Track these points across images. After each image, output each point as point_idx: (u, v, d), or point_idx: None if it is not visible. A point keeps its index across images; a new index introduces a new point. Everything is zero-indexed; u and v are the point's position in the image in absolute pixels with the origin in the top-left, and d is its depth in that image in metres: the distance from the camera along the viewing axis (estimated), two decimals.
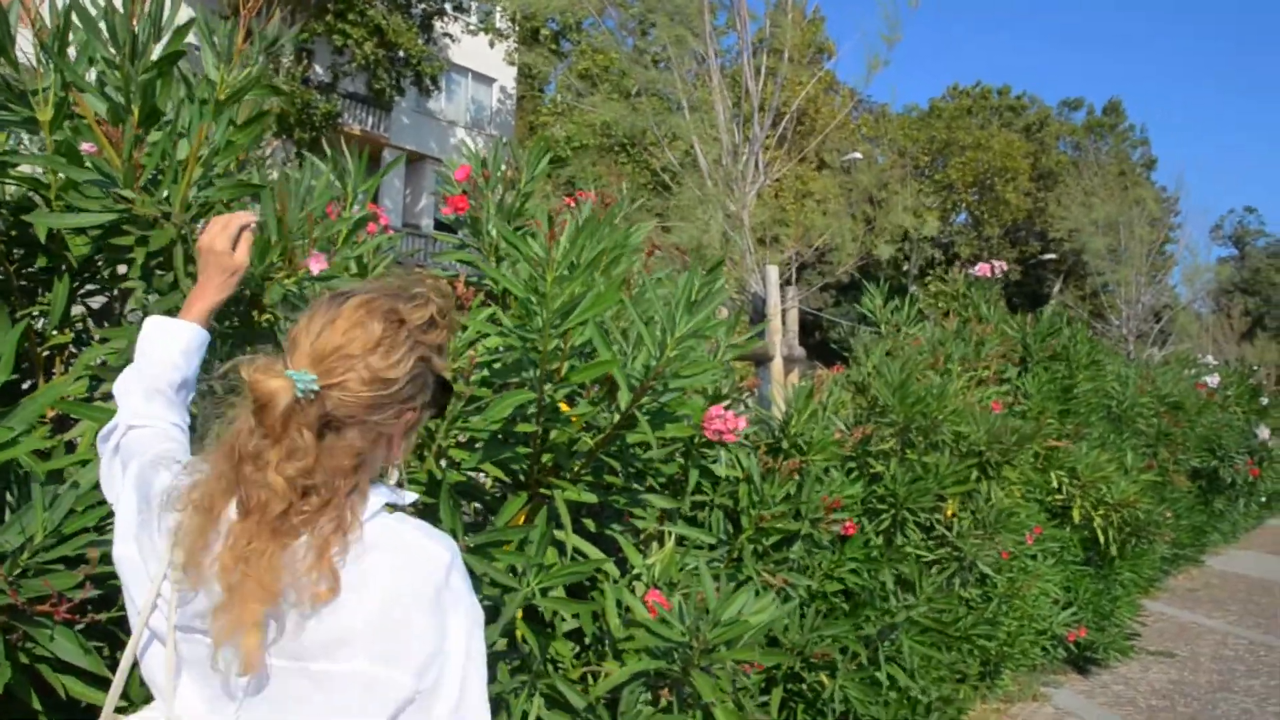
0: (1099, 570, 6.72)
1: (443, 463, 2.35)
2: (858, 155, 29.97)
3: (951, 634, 4.22)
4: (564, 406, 2.63)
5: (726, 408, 3.06)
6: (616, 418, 2.47)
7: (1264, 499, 15.26)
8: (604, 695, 2.33)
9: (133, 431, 1.37)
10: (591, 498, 2.55)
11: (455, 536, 2.01)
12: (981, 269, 5.93)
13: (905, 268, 41.56)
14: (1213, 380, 14.16)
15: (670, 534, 3.02)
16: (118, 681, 1.26)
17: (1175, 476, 9.64)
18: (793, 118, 13.62)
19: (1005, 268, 5.91)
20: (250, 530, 1.14)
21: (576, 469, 2.56)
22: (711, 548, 3.24)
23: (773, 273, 4.64)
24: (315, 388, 1.15)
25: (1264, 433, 15.13)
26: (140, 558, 1.25)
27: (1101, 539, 6.27)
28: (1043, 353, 5.75)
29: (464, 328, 2.47)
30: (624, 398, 2.44)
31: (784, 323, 5.11)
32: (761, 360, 4.57)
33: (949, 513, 4.44)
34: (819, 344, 33.40)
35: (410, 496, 1.28)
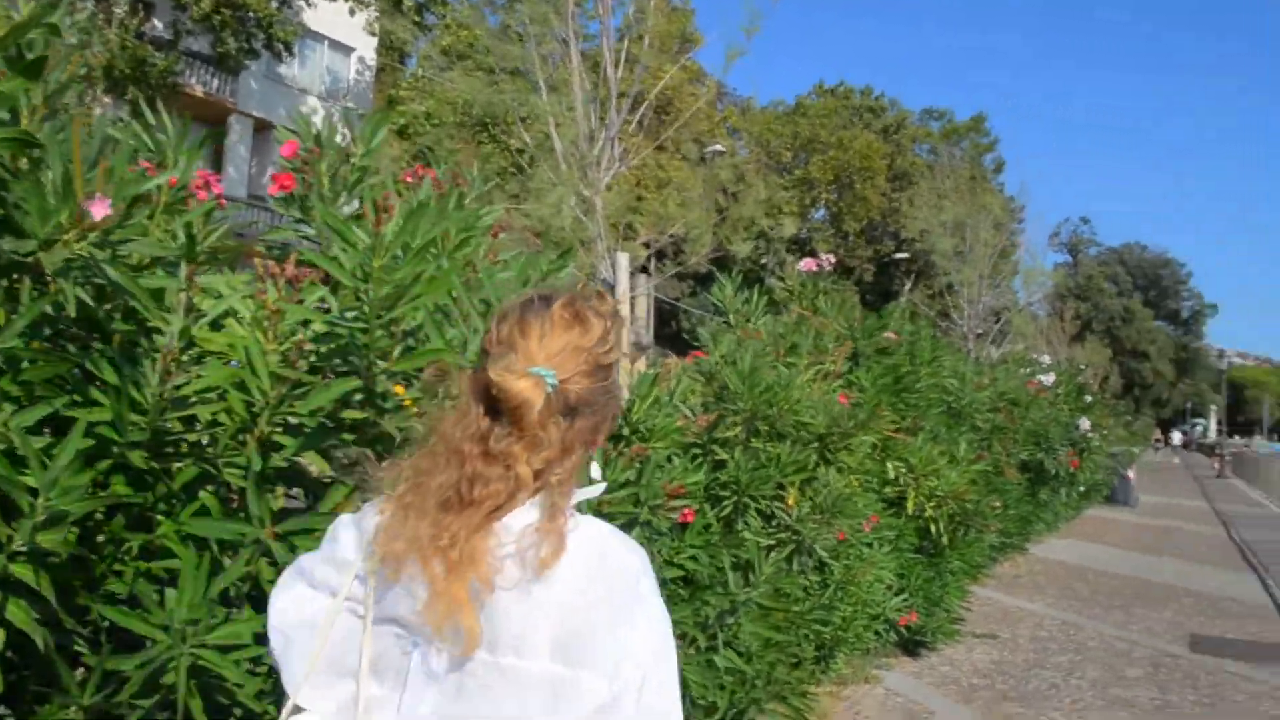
0: (931, 558, 7.00)
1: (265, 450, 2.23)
2: (720, 148, 30.37)
3: (789, 617, 4.31)
4: (399, 391, 2.54)
5: None
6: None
7: (1083, 489, 16.29)
8: None
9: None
10: None
11: (262, 523, 1.91)
12: (807, 264, 6.08)
13: (764, 261, 42.53)
14: (1046, 379, 15.03)
15: None
16: (298, 679, 1.33)
17: (1007, 469, 10.15)
18: (652, 105, 13.68)
19: (833, 262, 6.06)
20: (466, 519, 1.20)
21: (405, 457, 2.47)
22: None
23: (623, 259, 4.62)
24: (555, 382, 1.23)
25: (1084, 424, 16.14)
26: (308, 592, 1.38)
27: (933, 529, 6.54)
28: (872, 348, 5.94)
29: (301, 302, 2.35)
30: (454, 384, 2.36)
31: (634, 310, 5.10)
32: None
33: (790, 501, 4.53)
34: (675, 333, 33.77)
35: (599, 488, 1.37)
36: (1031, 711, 5.68)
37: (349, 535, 1.35)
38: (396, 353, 2.27)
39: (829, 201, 48.05)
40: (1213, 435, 66.78)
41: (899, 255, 43.13)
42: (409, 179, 3.01)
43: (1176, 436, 73.91)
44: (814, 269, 6.47)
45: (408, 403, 2.48)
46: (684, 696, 3.77)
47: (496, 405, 1.23)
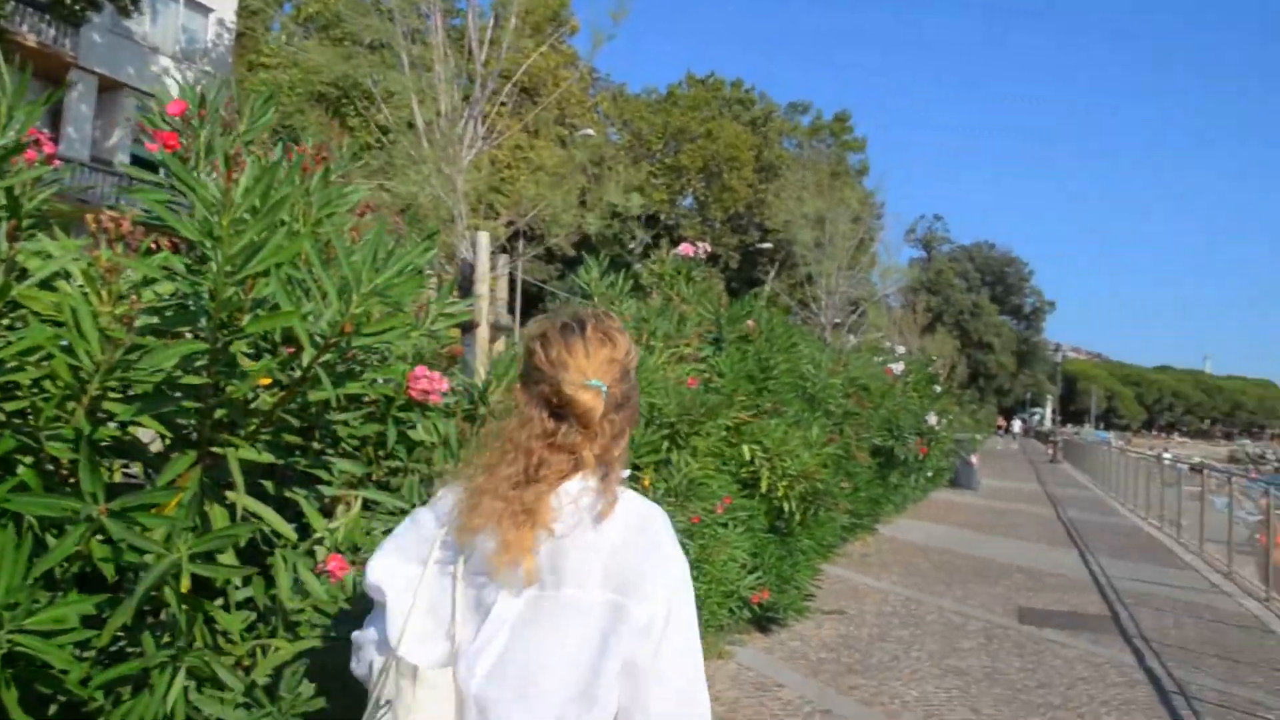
0: (783, 538, 7.25)
1: (96, 416, 2.14)
2: (590, 132, 30.37)
3: None
4: (245, 361, 2.48)
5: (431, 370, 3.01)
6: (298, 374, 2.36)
7: (930, 474, 17.11)
8: (269, 675, 2.21)
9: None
10: (269, 458, 2.41)
11: (95, 499, 1.83)
12: (684, 249, 6.17)
13: (631, 246, 42.77)
14: (898, 367, 15.69)
15: (357, 498, 2.94)
16: (396, 633, 1.60)
17: (858, 453, 10.56)
18: (517, 85, 13.55)
19: (708, 249, 6.18)
20: (534, 491, 1.53)
21: (254, 427, 2.42)
22: (404, 512, 3.18)
23: (483, 239, 4.60)
24: (605, 390, 1.59)
25: (932, 418, 16.92)
26: (400, 561, 1.64)
27: (786, 508, 6.77)
28: (735, 333, 6.08)
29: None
30: (307, 354, 2.33)
31: (494, 291, 5.09)
32: (467, 327, 4.52)
33: (645, 482, 4.62)
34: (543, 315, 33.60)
35: (626, 472, 1.64)
36: (873, 683, 5.96)
37: (428, 515, 1.67)
38: (246, 319, 2.22)
39: (697, 190, 48.69)
40: (1049, 423, 70.82)
41: (763, 245, 44.09)
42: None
43: (1017, 424, 78.08)
44: (689, 254, 6.57)
45: (254, 374, 2.42)
46: None
47: (561, 411, 1.58)
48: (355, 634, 1.74)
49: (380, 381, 2.82)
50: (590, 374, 1.58)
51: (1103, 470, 25.58)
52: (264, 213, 2.06)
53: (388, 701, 1.56)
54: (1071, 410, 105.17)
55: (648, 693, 1.51)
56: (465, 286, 4.44)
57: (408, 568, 1.63)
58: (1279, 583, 9.82)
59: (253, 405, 2.49)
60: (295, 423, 2.54)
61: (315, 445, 2.75)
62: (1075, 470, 32.92)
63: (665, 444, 4.46)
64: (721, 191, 47.61)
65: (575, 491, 1.55)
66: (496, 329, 4.76)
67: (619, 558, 1.53)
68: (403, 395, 3.15)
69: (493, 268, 5.13)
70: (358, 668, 1.71)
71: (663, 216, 47.93)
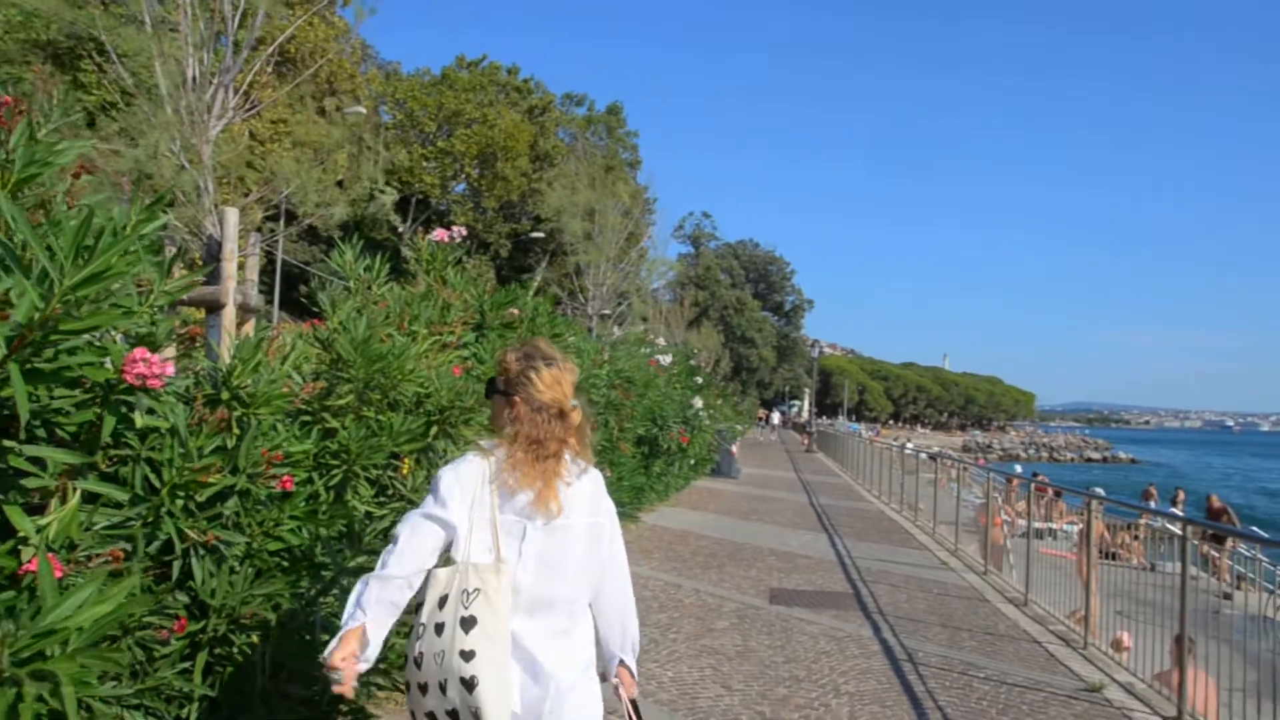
0: None
1: None
2: (361, 109, 29.29)
3: None
4: None
5: (155, 352, 2.80)
6: None
7: (693, 462, 17.71)
8: None
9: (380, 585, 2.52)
10: None
11: None
12: (440, 234, 6.06)
13: (401, 230, 41.65)
14: (665, 359, 16.14)
15: (75, 490, 2.69)
16: (465, 542, 2.49)
17: (622, 443, 10.78)
18: (276, 55, 12.80)
19: (464, 233, 6.09)
20: (550, 463, 2.52)
21: None
22: (133, 503, 2.95)
23: (231, 215, 4.32)
24: (579, 405, 2.64)
25: (698, 403, 17.54)
26: (461, 510, 2.49)
27: None
28: (498, 321, 6.04)
29: None
30: None
31: (243, 270, 4.79)
32: (213, 308, 4.24)
33: (405, 470, 4.51)
34: (308, 297, 32.16)
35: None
36: None
37: (449, 477, 2.52)
38: None
39: (470, 176, 48.02)
40: (806, 415, 75.08)
41: (535, 234, 44.08)
42: None
43: (777, 416, 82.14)
44: (444, 239, 6.45)
45: None
46: (283, 671, 3.63)
47: (562, 418, 2.58)
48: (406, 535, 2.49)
49: (105, 365, 2.60)
50: (569, 393, 2.62)
51: (852, 459, 27.33)
52: None
53: (476, 589, 2.40)
54: (827, 403, 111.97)
55: (613, 572, 2.71)
56: (213, 265, 4.15)
57: (461, 501, 2.47)
58: (996, 558, 10.89)
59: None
60: None
61: (8, 442, 2.48)
62: (828, 459, 35.04)
63: (431, 430, 4.37)
64: (495, 179, 47.20)
65: (568, 460, 2.59)
66: (245, 310, 4.49)
67: (592, 498, 2.64)
68: (125, 380, 2.92)
69: (243, 246, 4.83)
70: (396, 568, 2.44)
71: (434, 201, 46.96)
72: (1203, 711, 5.72)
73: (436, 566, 2.48)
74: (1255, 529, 13.67)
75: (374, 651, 2.42)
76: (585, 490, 2.60)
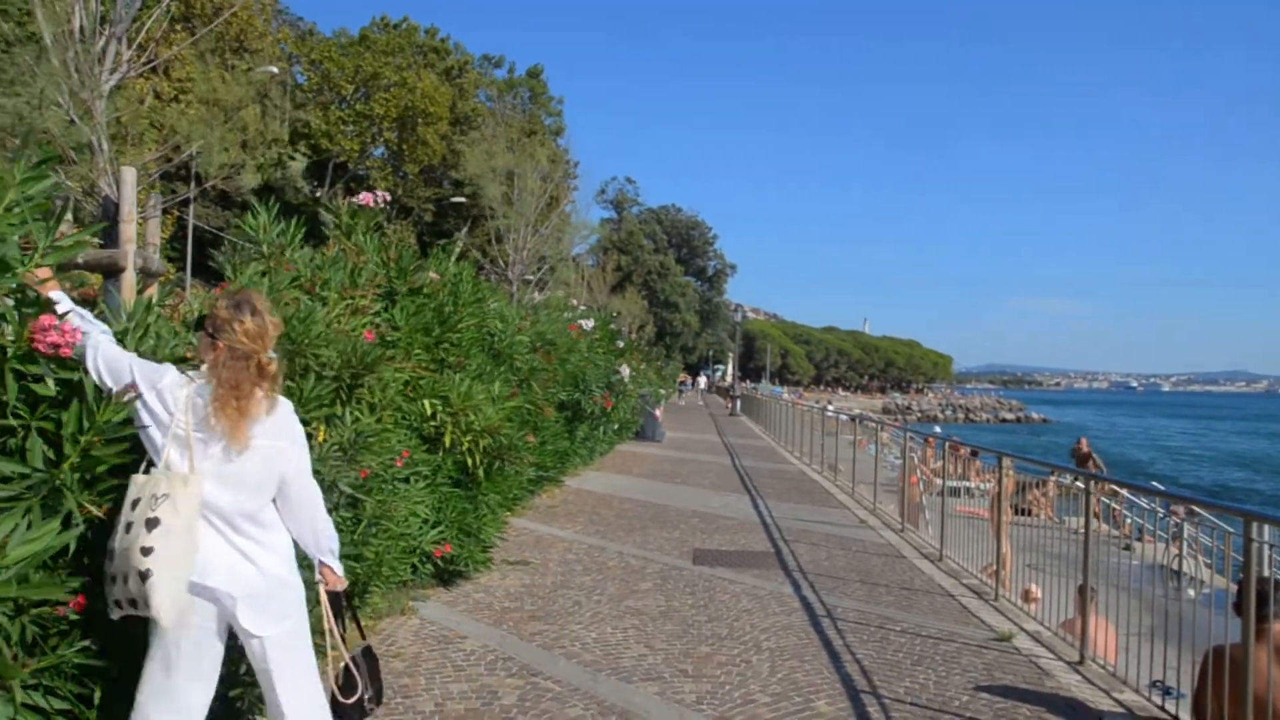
0: (469, 491, 7.24)
1: None
2: (274, 69, 28.38)
3: None
4: None
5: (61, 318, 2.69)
6: None
7: (616, 427, 17.76)
8: None
9: (105, 337, 2.98)
10: None
11: None
12: (364, 198, 5.93)
13: (319, 194, 40.66)
14: (587, 324, 16.09)
15: None
16: (161, 451, 2.87)
17: (544, 408, 10.74)
18: (172, 7, 12.24)
19: (387, 198, 5.96)
20: (243, 398, 2.88)
21: None
22: (25, 477, 2.84)
23: (129, 175, 4.13)
24: (275, 357, 3.04)
25: (625, 371, 17.55)
26: (157, 405, 2.87)
27: (469, 462, 6.75)
28: (407, 287, 5.93)
29: None
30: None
31: (143, 233, 4.61)
32: (111, 272, 4.07)
33: (319, 438, 4.42)
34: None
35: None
36: (555, 628, 6.12)
37: (171, 379, 2.89)
38: None
39: (389, 140, 47.03)
40: (730, 379, 75.81)
41: (456, 199, 43.43)
42: None
43: (702, 380, 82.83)
44: (368, 203, 6.31)
45: None
46: None
47: (260, 368, 2.93)
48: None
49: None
50: (270, 345, 2.99)
51: (775, 422, 27.68)
52: None
53: (165, 494, 2.72)
54: (750, 367, 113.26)
55: (295, 481, 3.07)
56: (110, 227, 3.97)
57: (169, 395, 2.86)
58: (912, 515, 11.16)
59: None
60: None
61: None
62: (752, 422, 35.46)
63: (333, 398, 4.28)
64: (416, 144, 46.31)
65: (260, 397, 2.93)
66: (148, 274, 4.32)
67: (276, 424, 2.99)
68: (24, 346, 2.80)
69: (142, 208, 4.64)
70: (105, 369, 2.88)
71: (353, 166, 45.92)
72: (1103, 655, 5.96)
73: (138, 474, 2.83)
74: (1154, 483, 14.26)
75: (63, 308, 2.84)
76: (272, 419, 2.97)
